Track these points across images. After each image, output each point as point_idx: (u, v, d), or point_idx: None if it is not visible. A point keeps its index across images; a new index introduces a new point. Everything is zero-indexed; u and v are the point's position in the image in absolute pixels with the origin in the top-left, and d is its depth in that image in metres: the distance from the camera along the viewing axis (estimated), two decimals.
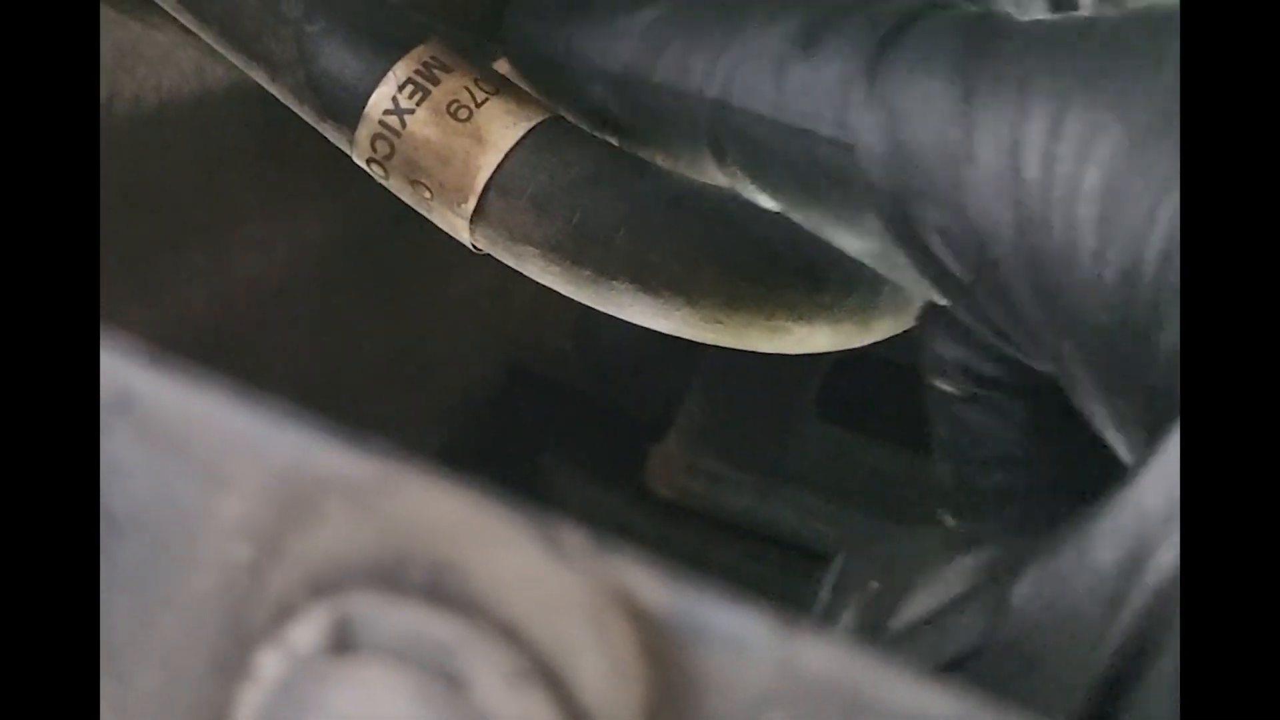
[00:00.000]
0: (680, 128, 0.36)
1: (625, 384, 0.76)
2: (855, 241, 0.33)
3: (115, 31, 0.54)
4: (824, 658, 0.17)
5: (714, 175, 0.36)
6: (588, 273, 0.38)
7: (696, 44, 0.34)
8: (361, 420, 0.66)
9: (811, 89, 0.32)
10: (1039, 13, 0.38)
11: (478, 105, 0.38)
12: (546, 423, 0.77)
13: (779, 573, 0.67)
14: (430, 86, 0.38)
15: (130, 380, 0.19)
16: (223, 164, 0.59)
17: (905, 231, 0.31)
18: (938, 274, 0.31)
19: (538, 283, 0.39)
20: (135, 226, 0.57)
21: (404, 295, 0.69)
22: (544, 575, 0.18)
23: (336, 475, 0.18)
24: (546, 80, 0.38)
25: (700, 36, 0.34)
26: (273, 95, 0.40)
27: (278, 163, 0.59)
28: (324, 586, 0.18)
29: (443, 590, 0.18)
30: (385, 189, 0.40)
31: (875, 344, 0.42)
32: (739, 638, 0.17)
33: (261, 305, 0.62)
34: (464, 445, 0.76)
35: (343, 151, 0.40)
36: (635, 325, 0.39)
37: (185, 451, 0.18)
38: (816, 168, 0.33)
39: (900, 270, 0.32)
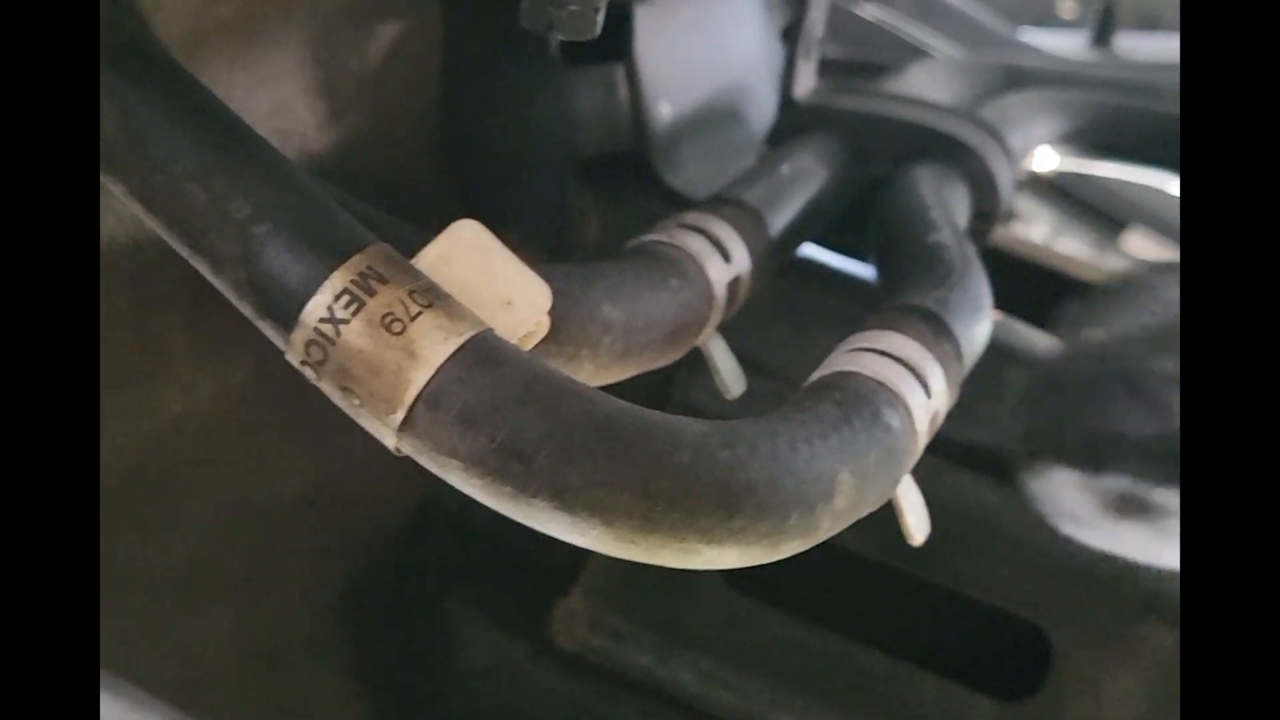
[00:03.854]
0: None
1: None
2: None
3: None
4: None
5: None
6: (508, 489, 0.38)
7: None
8: (272, 551, 0.66)
9: None
10: None
11: (411, 319, 0.38)
12: (455, 563, 0.77)
13: None
14: (365, 298, 0.38)
15: None
16: (155, 310, 0.59)
17: None
18: None
19: None
20: None
21: (322, 434, 0.69)
22: None
23: None
24: None
25: None
26: None
27: (208, 309, 0.60)
28: None
29: None
30: None
31: None
32: None
33: (183, 445, 0.63)
34: (371, 581, 0.76)
35: None
36: None
37: None
38: None
39: None
